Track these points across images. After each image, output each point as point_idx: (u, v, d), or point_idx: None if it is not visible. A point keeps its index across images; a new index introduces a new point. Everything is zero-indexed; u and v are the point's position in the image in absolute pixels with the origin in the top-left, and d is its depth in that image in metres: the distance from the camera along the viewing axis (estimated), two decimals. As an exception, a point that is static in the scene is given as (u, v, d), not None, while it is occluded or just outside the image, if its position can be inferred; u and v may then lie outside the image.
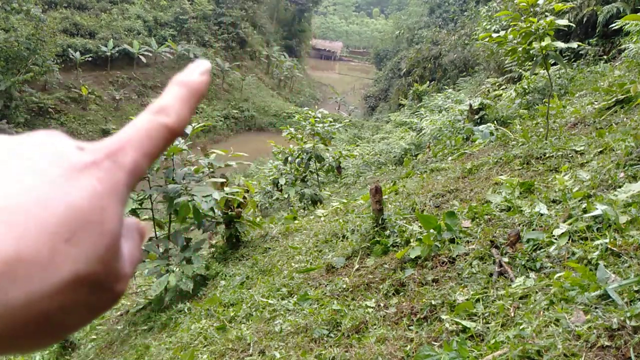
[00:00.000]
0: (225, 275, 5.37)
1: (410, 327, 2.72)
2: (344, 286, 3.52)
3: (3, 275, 0.25)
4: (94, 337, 6.05)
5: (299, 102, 51.43)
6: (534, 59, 5.30)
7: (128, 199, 0.32)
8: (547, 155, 4.71)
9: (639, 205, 2.79)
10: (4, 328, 0.26)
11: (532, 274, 2.70)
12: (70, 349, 6.02)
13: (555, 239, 2.89)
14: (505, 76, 14.97)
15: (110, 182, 0.29)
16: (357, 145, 18.30)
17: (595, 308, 2.10)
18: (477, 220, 3.66)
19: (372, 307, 3.09)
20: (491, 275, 2.87)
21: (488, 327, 2.40)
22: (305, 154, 10.04)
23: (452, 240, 3.43)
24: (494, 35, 5.35)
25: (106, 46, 35.98)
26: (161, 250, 5.55)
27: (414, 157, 11.12)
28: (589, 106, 6.59)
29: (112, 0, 41.38)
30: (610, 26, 9.63)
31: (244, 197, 6.18)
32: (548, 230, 3.02)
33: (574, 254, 2.68)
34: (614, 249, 2.51)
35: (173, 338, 4.14)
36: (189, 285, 5.03)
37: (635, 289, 2.11)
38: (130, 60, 38.07)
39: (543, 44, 5.00)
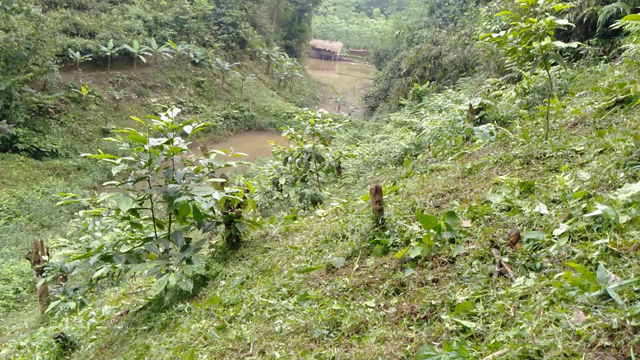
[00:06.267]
0: (225, 275, 5.36)
1: (410, 327, 2.72)
2: (344, 286, 3.52)
3: None
4: (94, 337, 6.04)
5: (299, 102, 51.48)
6: (534, 59, 5.30)
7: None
8: (547, 155, 4.71)
9: (639, 205, 2.79)
10: None
11: (532, 274, 2.70)
12: (70, 349, 6.01)
13: (555, 239, 2.89)
14: (505, 76, 14.97)
15: None
16: (357, 145, 18.31)
17: (595, 308, 2.10)
18: (477, 220, 3.66)
19: (372, 307, 3.09)
20: (491, 275, 2.87)
21: (488, 327, 2.40)
22: (305, 154, 10.05)
23: (452, 240, 3.43)
24: (494, 35, 5.35)
25: (106, 46, 35.99)
26: (161, 250, 5.55)
27: (414, 157, 11.12)
28: (589, 106, 6.59)
29: (112, 0, 41.37)
30: (610, 26, 9.64)
31: (244, 197, 6.18)
32: (548, 230, 3.02)
33: (574, 254, 2.68)
34: (614, 249, 2.51)
35: (173, 338, 4.13)
36: (189, 285, 5.02)
37: (635, 289, 2.11)
38: (130, 60, 38.08)
39: (543, 43, 5.00)
